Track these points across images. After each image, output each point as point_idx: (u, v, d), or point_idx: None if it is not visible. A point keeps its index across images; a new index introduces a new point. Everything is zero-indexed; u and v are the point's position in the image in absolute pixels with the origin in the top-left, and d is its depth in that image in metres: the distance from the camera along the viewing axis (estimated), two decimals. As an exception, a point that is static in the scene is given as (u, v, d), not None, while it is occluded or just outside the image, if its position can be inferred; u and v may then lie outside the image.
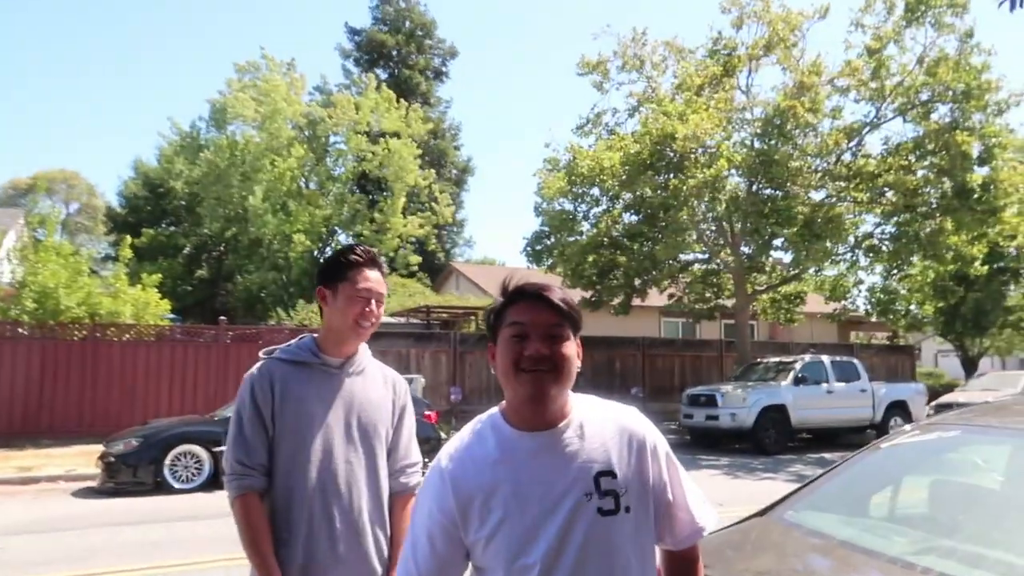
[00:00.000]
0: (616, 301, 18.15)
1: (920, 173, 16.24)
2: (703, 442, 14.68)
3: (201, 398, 13.78)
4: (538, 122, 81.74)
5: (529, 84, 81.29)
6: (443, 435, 10.87)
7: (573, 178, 16.71)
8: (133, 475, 8.94)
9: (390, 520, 2.06)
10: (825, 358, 15.36)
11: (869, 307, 22.41)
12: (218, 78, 43.44)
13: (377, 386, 2.10)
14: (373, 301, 2.02)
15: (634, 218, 17.65)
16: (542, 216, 17.95)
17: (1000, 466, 2.56)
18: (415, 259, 27.04)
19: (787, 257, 18.04)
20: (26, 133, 75.05)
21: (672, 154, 15.43)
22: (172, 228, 29.05)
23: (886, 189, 16.22)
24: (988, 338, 24.49)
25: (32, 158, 79.49)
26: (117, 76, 77.34)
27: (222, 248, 27.23)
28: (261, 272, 23.94)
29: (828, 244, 16.39)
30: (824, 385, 14.62)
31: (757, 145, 16.36)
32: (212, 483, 9.11)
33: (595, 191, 17.31)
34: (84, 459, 10.55)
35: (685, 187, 14.96)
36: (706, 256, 18.48)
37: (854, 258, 18.52)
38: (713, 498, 1.61)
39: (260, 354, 2.10)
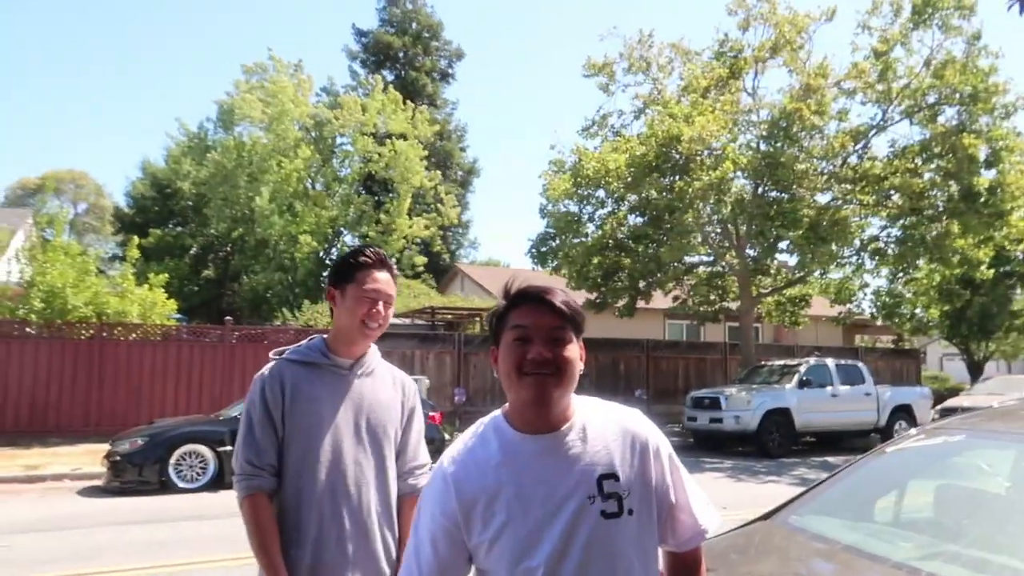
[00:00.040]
0: (621, 303, 18.14)
1: (927, 176, 16.19)
2: (707, 445, 14.65)
3: (207, 398, 13.83)
4: (542, 123, 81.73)
5: (533, 84, 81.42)
6: (447, 436, 10.88)
7: (578, 180, 16.72)
8: (138, 474, 8.97)
9: (398, 521, 2.06)
10: (830, 361, 15.31)
11: (874, 310, 22.35)
12: (223, 78, 43.50)
13: (386, 387, 2.11)
14: (381, 303, 2.03)
15: (639, 220, 17.64)
16: (547, 218, 17.96)
17: (1006, 471, 2.55)
18: (420, 260, 27.07)
19: (792, 260, 18.02)
20: (32, 133, 75.53)
21: (678, 156, 15.42)
22: (179, 228, 29.16)
23: (892, 192, 16.17)
24: (994, 342, 24.39)
25: (38, 158, 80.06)
26: (122, 76, 77.77)
27: (228, 248, 27.31)
28: (267, 273, 24.00)
29: (834, 247, 16.36)
30: (828, 388, 14.57)
31: (763, 147, 16.34)
32: (217, 483, 9.14)
33: (600, 193, 17.31)
34: (90, 458, 10.59)
35: (690, 189, 14.94)
36: (711, 258, 18.45)
37: (860, 261, 18.48)
38: (716, 501, 1.61)
39: (270, 355, 2.10)
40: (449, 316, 21.36)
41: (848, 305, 21.05)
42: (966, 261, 16.60)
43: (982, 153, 15.49)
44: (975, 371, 24.17)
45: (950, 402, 16.88)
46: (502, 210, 76.72)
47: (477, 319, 20.30)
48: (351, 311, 2.01)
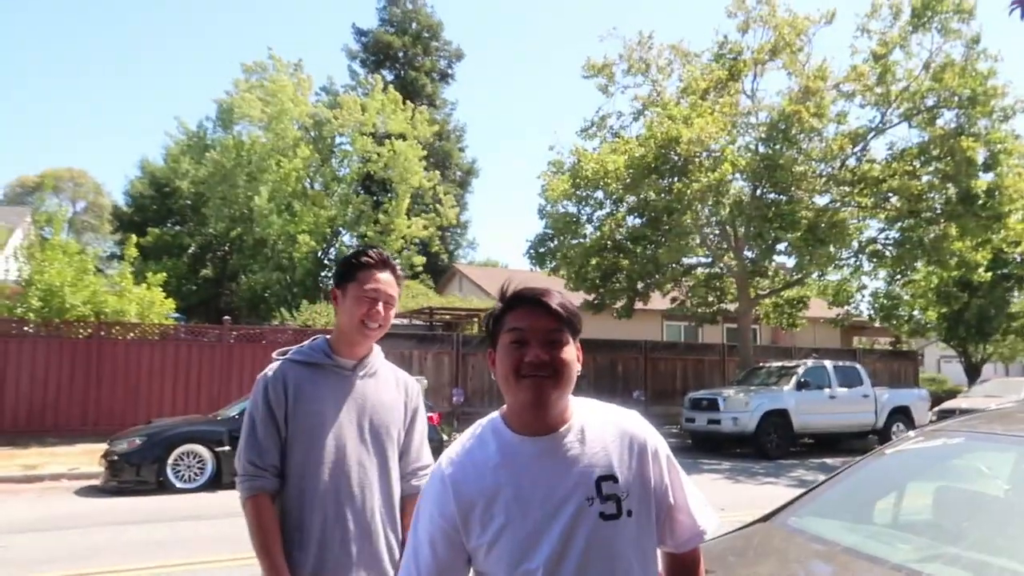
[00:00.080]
0: (619, 304, 18.15)
1: (925, 179, 16.21)
2: (705, 446, 14.65)
3: (205, 397, 13.81)
4: (542, 123, 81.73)
5: (532, 85, 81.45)
6: (445, 437, 10.87)
7: (577, 181, 16.72)
8: (136, 474, 8.96)
9: (401, 523, 2.06)
10: (828, 363, 15.33)
11: (872, 312, 22.36)
12: (223, 77, 43.70)
13: (389, 388, 2.11)
14: (381, 303, 2.02)
15: (638, 221, 17.65)
16: (546, 218, 17.96)
17: (1005, 473, 2.55)
18: (419, 260, 27.05)
19: (790, 262, 18.02)
20: (31, 132, 75.45)
21: (676, 158, 15.43)
22: (177, 227, 29.10)
23: (890, 194, 16.20)
24: (991, 344, 24.42)
25: (37, 157, 80.00)
26: (121, 75, 77.72)
27: (227, 248, 27.27)
28: (265, 272, 23.97)
29: (832, 249, 16.37)
30: (826, 390, 14.59)
31: (762, 149, 16.36)
32: (215, 483, 9.13)
33: (599, 194, 17.32)
34: (88, 458, 10.58)
35: (689, 191, 14.95)
36: (709, 260, 18.46)
37: (858, 263, 18.50)
38: (714, 502, 1.61)
39: (273, 355, 2.10)
40: (447, 316, 21.35)
41: (846, 307, 21.06)
42: (964, 263, 16.63)
43: (980, 156, 15.51)
44: (973, 373, 24.20)
45: (948, 404, 16.92)
46: (501, 211, 76.76)
47: (475, 320, 20.29)
48: (350, 311, 2.01)
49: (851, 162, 16.70)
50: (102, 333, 13.70)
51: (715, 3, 45.48)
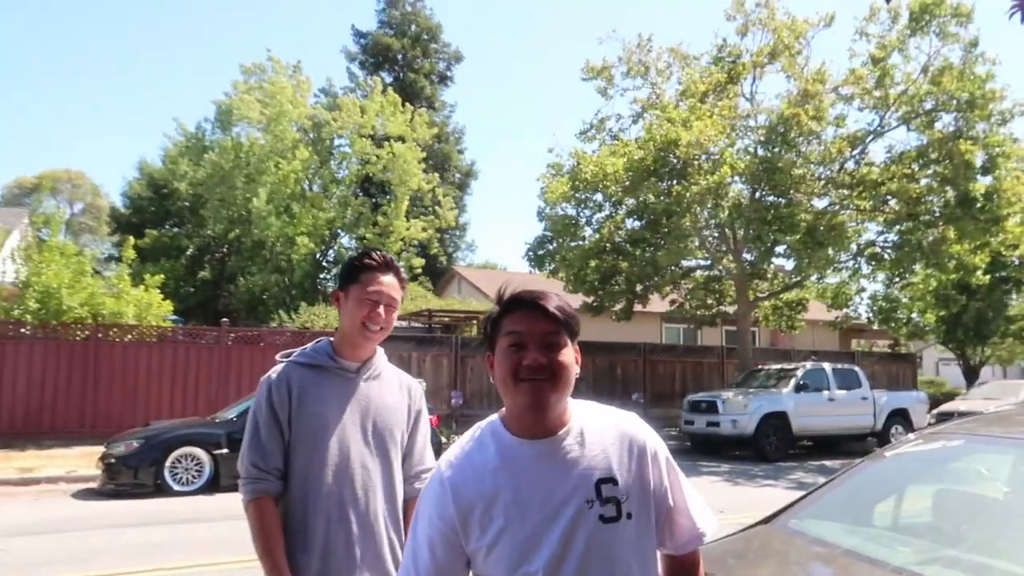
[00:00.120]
0: (618, 307, 18.15)
1: (923, 182, 16.24)
2: (704, 449, 14.65)
3: (202, 400, 13.78)
4: (541, 126, 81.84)
5: (531, 87, 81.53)
6: (444, 439, 10.86)
7: (576, 183, 16.73)
8: (134, 477, 8.94)
9: (404, 525, 2.05)
10: (826, 365, 15.34)
11: (871, 315, 22.40)
12: (221, 79, 43.76)
13: (393, 391, 2.11)
14: (382, 306, 2.02)
15: (637, 224, 17.66)
16: (545, 221, 17.97)
17: (1004, 476, 2.55)
18: (418, 262, 27.04)
19: (789, 264, 18.05)
20: (29, 133, 75.40)
21: (675, 160, 15.45)
22: (175, 229, 29.06)
23: (889, 197, 16.23)
24: (990, 347, 24.45)
25: (35, 158, 79.93)
26: (121, 76, 77.73)
27: (225, 250, 27.24)
28: (264, 274, 23.94)
29: (830, 252, 16.40)
30: (825, 392, 14.59)
31: (760, 152, 16.38)
32: (213, 486, 9.10)
33: (598, 196, 17.32)
34: (85, 460, 10.54)
35: (688, 193, 14.97)
36: (708, 262, 18.47)
37: (856, 266, 18.52)
38: (714, 505, 1.61)
39: (277, 357, 2.10)
40: (446, 319, 21.34)
41: (845, 310, 21.07)
42: (962, 266, 16.66)
43: (979, 159, 15.54)
44: (971, 376, 24.23)
45: (946, 406, 16.94)
46: (500, 213, 76.77)
47: (474, 322, 20.29)
48: (351, 313, 2.01)
49: (850, 165, 16.73)
50: (100, 335, 13.67)
51: (714, 6, 45.60)
